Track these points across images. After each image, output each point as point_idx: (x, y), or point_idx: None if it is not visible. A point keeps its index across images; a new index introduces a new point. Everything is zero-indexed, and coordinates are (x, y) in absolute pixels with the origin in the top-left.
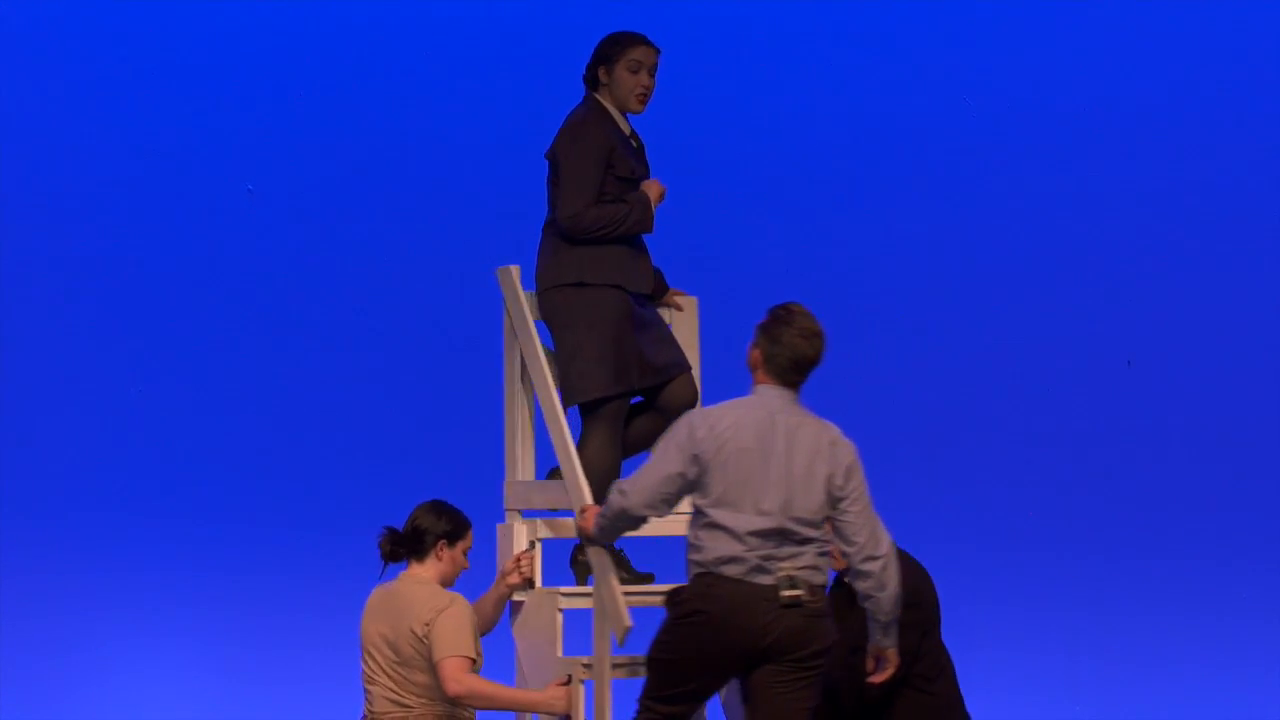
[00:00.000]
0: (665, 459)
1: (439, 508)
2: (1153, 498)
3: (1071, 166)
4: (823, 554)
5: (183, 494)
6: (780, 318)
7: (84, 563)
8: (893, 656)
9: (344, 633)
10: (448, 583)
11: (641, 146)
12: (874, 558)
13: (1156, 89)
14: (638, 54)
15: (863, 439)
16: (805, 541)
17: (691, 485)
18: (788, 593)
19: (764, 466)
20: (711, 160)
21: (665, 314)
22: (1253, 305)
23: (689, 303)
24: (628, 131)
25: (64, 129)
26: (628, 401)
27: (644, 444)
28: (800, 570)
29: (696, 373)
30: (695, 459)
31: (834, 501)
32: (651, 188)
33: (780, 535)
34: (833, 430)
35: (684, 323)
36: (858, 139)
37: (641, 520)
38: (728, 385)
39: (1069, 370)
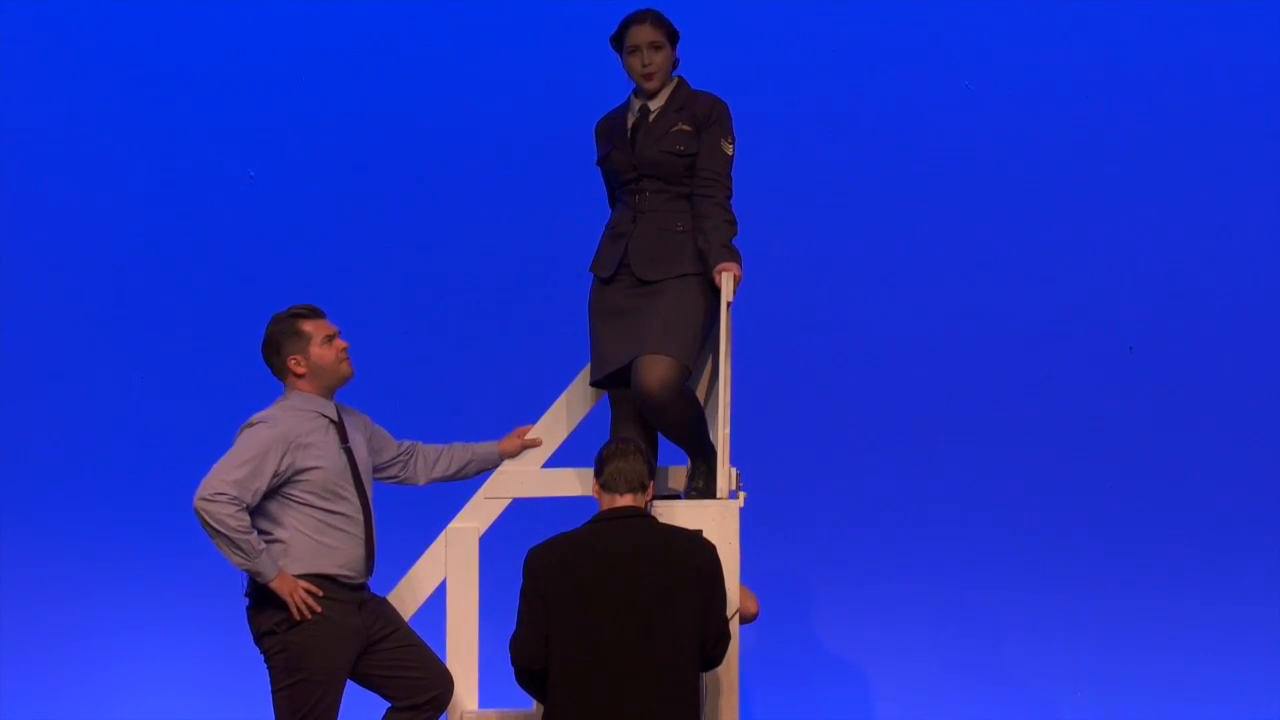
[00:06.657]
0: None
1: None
2: (1155, 484)
3: (1073, 153)
4: None
5: (184, 486)
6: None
7: (84, 555)
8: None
9: None
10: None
11: (667, 117)
12: None
13: (1158, 77)
14: (630, 38)
15: (865, 425)
16: None
17: None
18: None
19: None
20: None
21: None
22: (1255, 291)
23: (722, 280)
24: (636, 113)
25: (65, 118)
26: (627, 391)
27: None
28: None
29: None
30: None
31: None
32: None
33: None
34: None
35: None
36: (857, 129)
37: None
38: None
39: (1071, 357)
